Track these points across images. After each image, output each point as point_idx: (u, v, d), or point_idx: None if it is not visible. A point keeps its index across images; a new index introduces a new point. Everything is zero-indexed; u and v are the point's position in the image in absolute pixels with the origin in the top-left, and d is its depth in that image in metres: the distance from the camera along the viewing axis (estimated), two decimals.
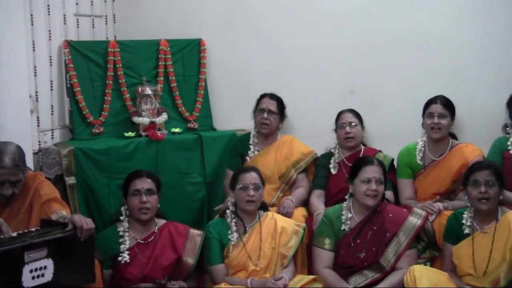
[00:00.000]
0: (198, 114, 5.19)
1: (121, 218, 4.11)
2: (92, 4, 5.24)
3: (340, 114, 4.81)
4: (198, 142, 4.94)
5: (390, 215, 4.09)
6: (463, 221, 3.98)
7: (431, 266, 4.15)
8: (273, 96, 4.88)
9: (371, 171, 4.05)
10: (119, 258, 3.99)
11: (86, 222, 3.37)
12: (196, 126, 5.14)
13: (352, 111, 4.80)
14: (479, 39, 4.86)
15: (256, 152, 4.86)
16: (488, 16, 4.83)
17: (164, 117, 4.93)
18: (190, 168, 4.89)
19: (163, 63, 5.09)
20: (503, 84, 4.73)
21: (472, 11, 4.87)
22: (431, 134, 4.56)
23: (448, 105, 4.56)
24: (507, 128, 4.57)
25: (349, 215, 4.11)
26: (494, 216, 3.92)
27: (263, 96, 4.90)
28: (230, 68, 5.30)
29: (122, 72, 4.98)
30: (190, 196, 4.86)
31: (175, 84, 5.14)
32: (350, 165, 4.54)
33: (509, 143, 4.51)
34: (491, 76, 4.85)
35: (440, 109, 4.54)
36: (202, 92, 5.22)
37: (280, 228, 4.12)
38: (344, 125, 4.74)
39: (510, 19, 4.80)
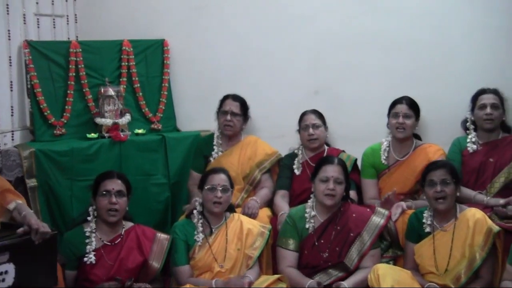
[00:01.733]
0: (161, 115, 5.15)
1: (89, 219, 4.07)
2: (53, 4, 5.14)
3: (303, 116, 4.83)
4: (162, 143, 4.91)
5: (354, 215, 4.13)
6: (424, 220, 4.05)
7: (394, 265, 4.20)
8: (236, 98, 4.87)
9: (330, 171, 4.08)
10: (85, 259, 3.96)
11: (42, 225, 3.35)
12: (159, 127, 5.11)
13: (315, 112, 4.83)
14: (441, 40, 4.92)
15: (220, 153, 4.85)
16: (450, 18, 4.90)
17: (127, 118, 4.89)
18: (153, 170, 4.85)
19: (126, 63, 5.04)
20: (464, 84, 4.79)
21: (435, 13, 4.93)
22: (396, 134, 4.61)
23: (413, 106, 4.62)
24: (467, 123, 4.65)
25: (313, 213, 4.14)
26: (453, 214, 4.00)
27: (226, 97, 4.89)
28: (194, 69, 5.27)
29: (84, 73, 4.90)
30: (154, 197, 4.83)
31: (138, 85, 5.08)
32: (314, 165, 4.58)
33: (467, 140, 4.60)
34: (453, 76, 4.93)
35: (405, 109, 4.59)
36: (165, 93, 5.18)
37: (246, 229, 4.14)
38: (307, 126, 4.76)
39: (471, 20, 4.88)
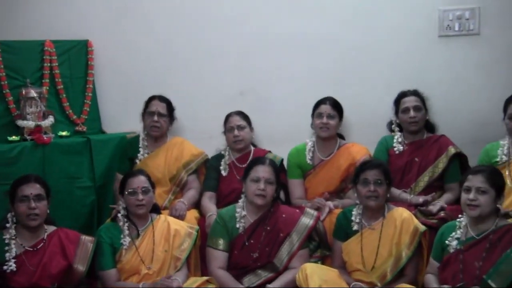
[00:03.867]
0: (86, 117, 5.04)
1: (7, 225, 3.93)
2: None
3: (228, 117, 4.83)
4: (87, 146, 4.81)
5: (284, 215, 4.15)
6: (352, 218, 4.09)
7: (322, 264, 4.22)
8: (162, 98, 4.83)
9: (261, 171, 4.09)
10: (4, 267, 3.81)
11: None
12: (84, 129, 5.00)
13: (240, 114, 4.83)
14: (365, 42, 5.00)
15: (146, 155, 4.81)
16: (374, 19, 4.99)
17: (50, 120, 4.76)
18: (78, 172, 4.75)
19: (49, 64, 4.90)
20: (388, 85, 4.89)
21: (359, 15, 5.00)
22: (320, 134, 4.66)
23: (337, 106, 4.68)
24: (392, 126, 4.75)
25: (243, 213, 4.14)
26: (381, 213, 4.06)
27: (152, 98, 4.84)
28: (119, 70, 5.18)
29: (4, 74, 4.73)
30: (79, 201, 4.72)
31: (62, 86, 4.95)
32: (241, 166, 4.58)
33: (394, 140, 4.69)
34: (377, 77, 5.01)
35: (329, 109, 4.64)
36: (90, 94, 5.07)
37: (174, 231, 4.10)
38: (232, 128, 4.76)
39: (394, 23, 4.97)
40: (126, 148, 4.88)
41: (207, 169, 4.85)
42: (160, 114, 4.77)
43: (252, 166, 4.16)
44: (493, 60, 4.89)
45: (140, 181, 4.08)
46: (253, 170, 4.12)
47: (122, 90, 5.20)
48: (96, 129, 5.11)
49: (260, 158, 4.35)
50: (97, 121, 5.15)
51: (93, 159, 4.81)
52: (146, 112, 4.82)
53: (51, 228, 4.01)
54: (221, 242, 4.10)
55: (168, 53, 5.16)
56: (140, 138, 4.85)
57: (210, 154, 4.91)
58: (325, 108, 4.65)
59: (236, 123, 4.77)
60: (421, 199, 4.34)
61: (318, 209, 4.37)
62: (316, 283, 3.82)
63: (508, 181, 4.23)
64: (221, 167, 4.77)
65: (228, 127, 4.80)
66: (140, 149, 4.81)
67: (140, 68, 5.18)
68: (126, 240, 4.03)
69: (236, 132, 4.75)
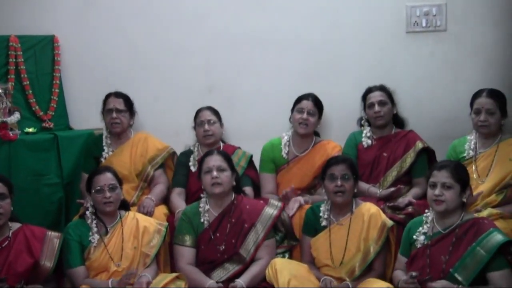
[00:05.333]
0: (53, 113, 4.98)
1: None
2: None
3: (198, 112, 4.82)
4: (54, 142, 4.76)
5: (247, 206, 4.18)
6: (320, 214, 4.11)
7: (290, 255, 4.27)
8: (118, 94, 4.81)
9: (211, 160, 4.12)
10: None
11: None
12: (51, 126, 4.94)
13: (210, 109, 4.82)
14: (332, 37, 5.00)
15: (111, 153, 4.78)
16: (341, 15, 4.99)
17: (16, 116, 4.68)
18: (46, 169, 4.68)
19: (14, 60, 4.82)
20: (356, 81, 4.90)
21: (326, 11, 5.00)
22: (298, 129, 4.66)
23: (318, 104, 4.69)
24: (362, 121, 4.78)
25: (207, 207, 4.15)
26: (349, 208, 4.08)
27: (108, 96, 4.81)
28: (86, 66, 5.14)
29: None
30: (46, 198, 4.66)
31: (28, 82, 4.88)
32: None
33: (363, 135, 4.72)
34: (344, 73, 5.02)
35: (311, 106, 4.65)
36: (57, 90, 5.01)
37: (142, 227, 4.08)
38: (203, 122, 4.75)
39: (361, 17, 4.99)
40: (91, 147, 4.84)
41: (176, 165, 4.84)
42: (118, 110, 4.74)
43: (202, 160, 4.20)
44: (460, 56, 4.93)
45: (106, 178, 4.05)
46: (204, 163, 4.16)
47: (89, 86, 5.15)
48: (63, 126, 5.07)
49: (208, 151, 4.36)
50: (64, 118, 5.11)
51: (61, 156, 4.75)
52: (105, 110, 4.79)
53: (15, 225, 3.96)
54: (187, 238, 4.11)
55: (135, 49, 5.13)
56: (104, 136, 4.82)
57: (177, 150, 4.89)
58: (307, 104, 4.66)
59: (207, 118, 4.76)
60: (389, 191, 4.39)
61: (285, 198, 4.40)
62: (286, 278, 3.84)
63: (474, 176, 4.29)
64: (190, 163, 4.75)
65: (198, 122, 4.79)
66: (104, 148, 4.78)
67: (107, 64, 5.14)
68: (95, 238, 4.00)
69: (206, 126, 4.74)
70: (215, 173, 4.08)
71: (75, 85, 5.13)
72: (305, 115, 4.63)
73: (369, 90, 4.71)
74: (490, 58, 4.91)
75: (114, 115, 4.72)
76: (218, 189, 4.09)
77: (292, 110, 4.72)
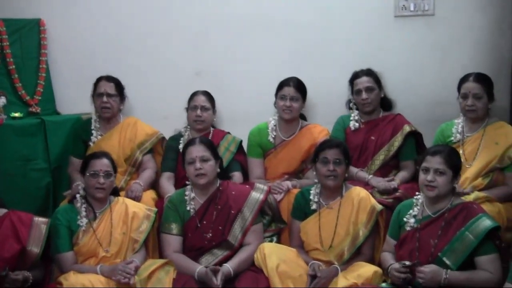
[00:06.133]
0: (40, 98, 4.94)
1: None
2: None
3: (193, 95, 4.80)
4: (41, 127, 4.72)
5: (233, 192, 4.17)
6: (310, 198, 4.13)
7: (278, 239, 4.28)
8: (110, 78, 4.77)
9: (193, 151, 4.10)
10: None
11: None
12: (38, 110, 4.90)
13: (206, 94, 4.81)
14: (321, 21, 5.00)
15: (99, 137, 4.75)
16: None
17: (2, 101, 4.66)
18: (33, 154, 4.66)
19: None
20: (344, 65, 4.89)
21: None
22: (283, 115, 4.66)
23: (300, 88, 4.67)
24: (351, 104, 4.78)
25: (192, 195, 4.14)
26: (339, 192, 4.10)
27: (99, 79, 4.77)
28: (74, 50, 5.10)
29: None
30: (34, 183, 4.64)
31: (14, 66, 4.83)
32: None
33: (351, 118, 4.72)
34: (333, 57, 5.02)
35: (293, 92, 4.63)
36: (43, 74, 4.97)
37: (132, 213, 4.07)
38: (196, 107, 4.74)
39: (350, 1, 4.99)
40: (79, 131, 4.81)
41: (165, 149, 4.82)
42: (109, 94, 4.71)
43: (185, 149, 4.17)
44: (448, 40, 4.94)
45: (103, 164, 4.03)
46: (187, 152, 4.13)
47: (76, 70, 5.11)
48: (50, 110, 5.03)
49: (190, 139, 4.33)
50: (51, 102, 5.07)
51: (48, 141, 4.72)
52: (95, 94, 4.75)
53: (2, 211, 3.92)
54: (174, 226, 4.10)
55: (123, 33, 5.10)
56: (92, 120, 4.79)
57: (166, 134, 4.87)
58: (288, 91, 4.64)
59: (201, 103, 4.75)
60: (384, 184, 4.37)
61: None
62: (275, 262, 3.86)
63: (462, 159, 4.30)
64: (180, 147, 4.71)
65: (192, 105, 4.77)
66: (93, 132, 4.75)
67: (94, 48, 5.11)
68: (83, 221, 3.99)
69: (199, 112, 4.72)
70: (198, 164, 4.06)
71: (62, 69, 5.10)
72: (288, 102, 4.62)
73: (356, 75, 4.71)
74: (477, 42, 4.93)
75: (105, 99, 4.69)
76: (203, 180, 4.08)
77: (276, 95, 4.71)
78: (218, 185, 4.17)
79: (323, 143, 4.16)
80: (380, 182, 4.37)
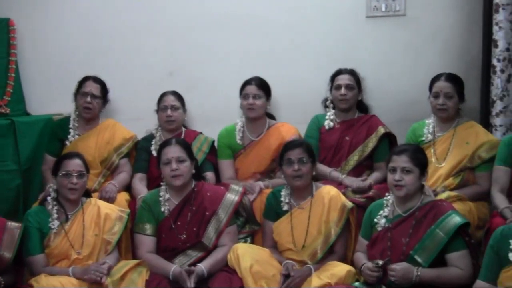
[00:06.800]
0: (9, 99, 4.87)
1: None
2: None
3: (162, 96, 4.79)
4: (11, 128, 4.67)
5: (208, 193, 4.15)
6: (281, 199, 4.13)
7: (252, 240, 4.28)
8: (96, 80, 4.74)
9: (170, 152, 4.08)
10: None
11: None
12: (7, 111, 4.84)
13: (175, 94, 4.79)
14: (294, 21, 4.99)
15: (77, 136, 4.71)
16: None
17: None
18: (2, 156, 4.61)
19: None
20: (318, 65, 4.93)
21: None
22: (247, 114, 4.67)
23: (263, 86, 4.69)
24: (327, 102, 4.79)
25: (167, 196, 4.12)
26: (309, 192, 4.11)
27: (86, 79, 4.73)
28: (44, 50, 5.03)
29: None
30: (3, 185, 4.58)
31: None
32: None
33: (326, 118, 4.74)
34: (306, 57, 5.02)
35: (255, 90, 4.65)
36: (13, 75, 4.90)
37: (104, 214, 4.04)
38: (166, 107, 4.72)
39: (323, 1, 5.00)
40: (56, 129, 4.77)
41: (137, 150, 4.79)
42: (93, 95, 4.68)
43: (161, 150, 4.15)
44: (419, 41, 4.97)
45: (76, 164, 4.00)
46: (163, 153, 4.11)
47: (47, 71, 5.05)
48: (20, 111, 4.95)
49: (166, 140, 4.32)
50: (21, 103, 4.99)
51: (18, 142, 4.67)
52: (79, 93, 4.71)
53: None
54: (148, 227, 4.08)
55: (94, 32, 5.04)
56: (71, 118, 4.75)
57: (138, 135, 4.85)
58: (251, 89, 4.66)
59: (170, 103, 4.74)
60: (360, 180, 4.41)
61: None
62: (248, 262, 3.86)
63: (433, 160, 4.36)
64: (152, 148, 4.71)
65: (161, 106, 4.76)
66: (71, 131, 4.72)
67: (65, 48, 5.05)
68: (55, 224, 3.95)
69: (169, 112, 4.71)
70: (174, 165, 4.05)
71: (33, 69, 5.03)
72: (250, 100, 4.63)
73: (338, 72, 4.74)
74: (447, 42, 4.97)
75: (89, 99, 4.66)
76: (179, 181, 4.07)
77: (240, 95, 4.72)
78: (193, 186, 4.16)
79: (286, 145, 4.17)
80: (354, 181, 4.38)
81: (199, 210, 4.09)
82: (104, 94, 4.76)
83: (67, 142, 4.68)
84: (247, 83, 4.69)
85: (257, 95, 4.65)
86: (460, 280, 3.60)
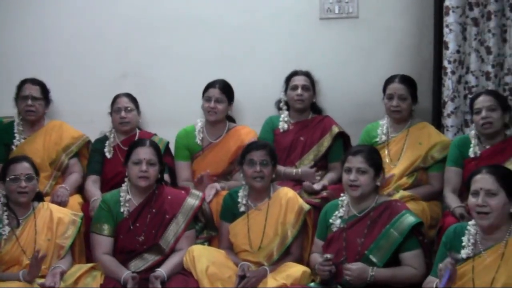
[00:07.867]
0: None
1: None
2: None
3: (116, 98, 4.75)
4: None
5: (169, 197, 4.12)
6: (239, 200, 4.13)
7: (209, 245, 4.24)
8: (34, 81, 4.67)
9: (142, 153, 4.04)
10: None
11: None
12: None
13: (128, 96, 4.76)
14: (248, 23, 5.00)
15: (23, 140, 4.64)
16: (255, 1, 5.02)
17: None
18: None
19: None
20: (272, 67, 4.95)
21: None
22: (208, 117, 4.66)
23: (226, 90, 4.68)
24: (281, 104, 4.81)
25: (128, 197, 4.09)
26: (267, 193, 4.11)
27: (24, 82, 4.67)
28: None
29: None
30: None
31: None
32: (125, 149, 4.48)
33: (280, 119, 4.76)
34: (261, 59, 5.03)
35: (217, 93, 4.63)
36: None
37: (57, 218, 3.98)
38: (119, 109, 4.69)
39: (276, 3, 5.01)
40: (1, 134, 4.68)
41: (91, 152, 4.75)
42: (34, 97, 4.61)
43: (132, 148, 4.11)
44: (372, 43, 5.01)
45: (23, 167, 3.93)
46: (134, 152, 4.07)
47: None
48: None
49: (140, 140, 4.30)
50: None
51: None
52: (19, 97, 4.65)
53: None
54: (105, 227, 4.03)
55: (47, 34, 5.00)
56: (15, 123, 4.68)
57: (92, 137, 4.80)
58: (213, 92, 4.65)
59: (124, 105, 4.70)
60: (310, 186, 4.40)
61: (200, 183, 4.39)
62: (204, 264, 3.85)
63: (387, 160, 4.41)
64: (106, 150, 4.68)
65: (115, 108, 4.72)
66: (16, 135, 4.65)
67: (14, 50, 5.00)
68: (6, 230, 3.88)
69: (123, 113, 4.68)
70: (144, 167, 4.01)
71: None
72: (212, 104, 4.62)
73: (294, 73, 4.76)
74: (400, 44, 5.02)
75: (30, 102, 4.59)
76: (145, 183, 4.03)
77: (203, 97, 4.70)
78: (154, 188, 4.13)
79: (249, 145, 4.17)
80: (306, 184, 4.40)
81: (159, 212, 4.06)
82: (45, 94, 4.69)
83: (13, 147, 4.62)
84: (210, 85, 4.68)
85: (219, 98, 4.64)
86: (414, 279, 3.64)
